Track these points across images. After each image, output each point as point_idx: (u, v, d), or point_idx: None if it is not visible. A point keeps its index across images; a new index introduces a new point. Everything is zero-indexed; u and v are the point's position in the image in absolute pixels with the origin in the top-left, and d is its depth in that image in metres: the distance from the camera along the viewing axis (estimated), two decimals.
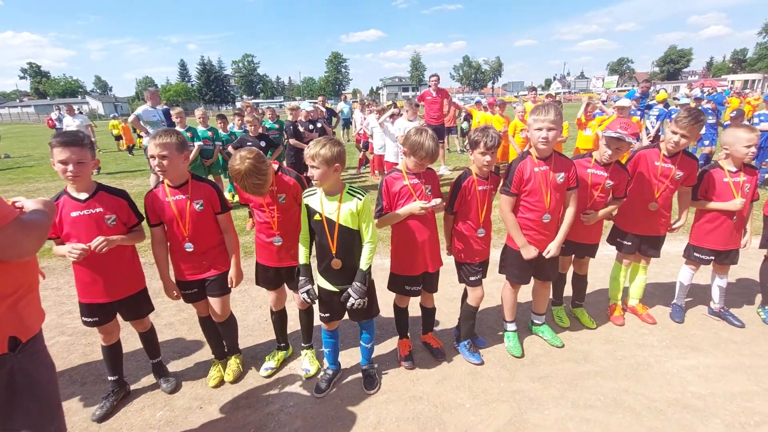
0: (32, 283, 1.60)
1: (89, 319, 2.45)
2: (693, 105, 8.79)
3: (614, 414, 2.41)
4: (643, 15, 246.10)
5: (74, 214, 2.26)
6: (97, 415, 2.47)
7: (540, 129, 2.54)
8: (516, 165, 2.70)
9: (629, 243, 3.22)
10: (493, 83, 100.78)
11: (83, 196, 2.29)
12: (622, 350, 3.01)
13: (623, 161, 3.15)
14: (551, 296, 3.43)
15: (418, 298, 2.92)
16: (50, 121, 17.03)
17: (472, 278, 2.82)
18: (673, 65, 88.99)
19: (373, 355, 3.02)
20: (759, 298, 3.53)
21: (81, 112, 16.45)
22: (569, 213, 2.80)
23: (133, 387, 2.77)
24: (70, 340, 3.39)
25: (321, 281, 2.41)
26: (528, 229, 2.74)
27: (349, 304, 2.37)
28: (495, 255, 3.02)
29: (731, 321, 3.27)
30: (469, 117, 12.53)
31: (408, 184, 2.57)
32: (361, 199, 2.30)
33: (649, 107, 9.19)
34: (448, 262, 2.95)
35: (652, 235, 3.17)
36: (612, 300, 3.45)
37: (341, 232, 2.29)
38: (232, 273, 2.65)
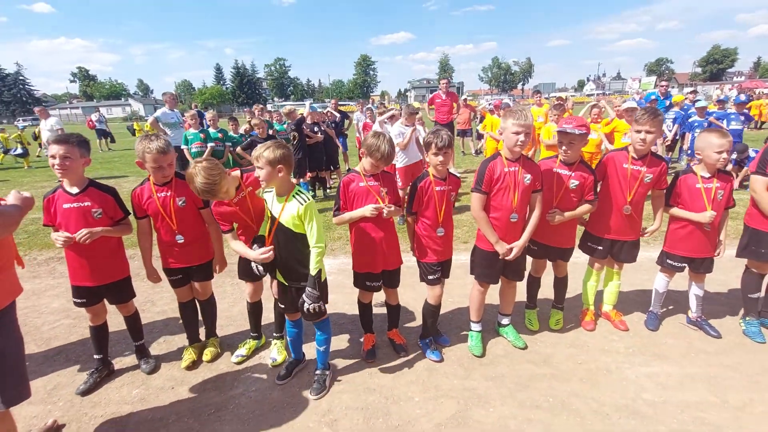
0: (4, 264, 1.84)
1: (78, 300, 2.75)
2: (715, 108, 8.43)
3: (558, 416, 2.44)
4: (686, 13, 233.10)
5: (65, 206, 2.56)
6: (81, 390, 2.75)
7: (518, 133, 2.61)
8: (486, 165, 2.77)
9: (601, 248, 3.21)
10: (523, 84, 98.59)
11: (75, 190, 2.58)
12: (584, 355, 3.01)
13: (593, 164, 3.16)
14: (525, 299, 3.47)
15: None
16: (90, 122, 18.26)
17: (430, 277, 2.91)
18: (716, 65, 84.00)
19: (340, 348, 3.18)
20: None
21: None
22: (534, 215, 2.86)
23: (118, 366, 3.04)
24: (73, 323, 3.73)
25: (278, 274, 2.56)
26: (495, 228, 2.81)
27: (305, 309, 2.44)
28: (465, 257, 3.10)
29: (708, 331, 3.19)
30: (483, 119, 12.48)
31: (365, 185, 2.70)
32: (302, 204, 2.35)
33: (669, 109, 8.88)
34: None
35: (624, 240, 3.14)
36: (584, 305, 3.44)
37: (280, 230, 2.41)
38: (216, 261, 2.91)
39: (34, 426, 2.49)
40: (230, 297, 4.10)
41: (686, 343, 3.13)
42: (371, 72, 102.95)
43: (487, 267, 2.93)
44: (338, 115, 9.73)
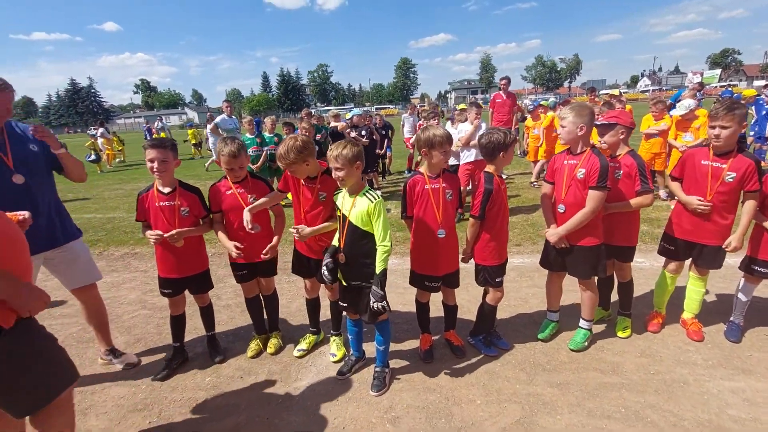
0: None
1: (165, 291, 3.00)
2: None
3: (633, 427, 2.32)
4: (752, 0, 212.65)
5: (158, 204, 2.81)
6: (160, 376, 2.97)
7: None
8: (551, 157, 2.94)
9: (673, 248, 3.07)
10: (570, 83, 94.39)
11: (167, 189, 2.84)
12: (658, 365, 2.83)
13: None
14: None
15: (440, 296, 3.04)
16: (153, 130, 19.70)
17: (498, 279, 2.88)
18: None
19: (397, 347, 3.20)
20: None
21: None
22: (582, 210, 2.74)
23: (190, 354, 3.25)
24: (149, 314, 4.04)
25: (339, 274, 2.63)
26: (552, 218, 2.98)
27: (371, 306, 2.46)
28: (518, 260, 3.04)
29: None
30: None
31: (429, 189, 2.71)
32: (372, 201, 2.41)
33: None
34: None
35: (703, 244, 2.94)
36: (655, 307, 3.29)
37: (350, 228, 2.47)
38: (274, 242, 2.97)
39: (122, 406, 2.73)
40: (288, 293, 4.26)
41: None
42: (411, 75, 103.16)
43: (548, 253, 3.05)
44: (384, 132, 9.87)
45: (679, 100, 7.43)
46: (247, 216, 2.71)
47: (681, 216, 3.02)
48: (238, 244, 2.82)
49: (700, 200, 2.83)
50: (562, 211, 2.84)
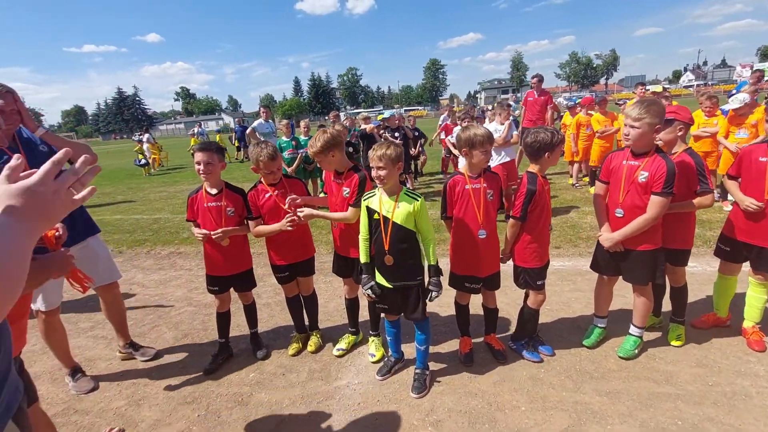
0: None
1: (212, 288, 3.13)
2: None
3: None
4: None
5: (206, 204, 2.95)
6: (208, 369, 3.10)
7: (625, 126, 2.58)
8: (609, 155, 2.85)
9: (728, 248, 2.92)
10: (607, 79, 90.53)
11: (214, 191, 2.98)
12: (716, 376, 2.67)
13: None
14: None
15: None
16: (192, 135, 20.58)
17: (539, 282, 2.81)
18: None
19: (435, 350, 3.18)
20: None
21: None
22: (642, 216, 2.60)
23: (234, 351, 3.36)
24: (194, 310, 4.22)
25: (378, 277, 2.63)
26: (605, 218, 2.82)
27: (434, 297, 2.52)
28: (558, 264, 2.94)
29: None
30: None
31: (469, 189, 2.69)
32: (417, 200, 2.48)
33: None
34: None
35: (762, 246, 2.75)
36: (714, 309, 3.14)
37: (395, 229, 2.48)
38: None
39: (172, 398, 2.86)
40: (325, 294, 4.31)
41: None
42: (440, 76, 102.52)
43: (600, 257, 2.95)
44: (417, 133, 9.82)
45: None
46: (293, 198, 2.80)
47: (738, 216, 2.87)
48: (292, 217, 2.85)
49: (751, 201, 2.68)
50: (620, 215, 2.69)
